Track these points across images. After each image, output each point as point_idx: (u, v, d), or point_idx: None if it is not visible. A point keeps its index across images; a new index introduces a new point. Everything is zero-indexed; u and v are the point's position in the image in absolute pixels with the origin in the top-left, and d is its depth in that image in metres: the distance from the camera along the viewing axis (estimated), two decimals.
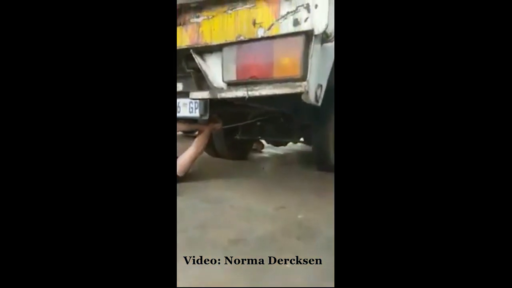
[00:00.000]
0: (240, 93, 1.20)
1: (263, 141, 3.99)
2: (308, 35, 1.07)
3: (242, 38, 1.17)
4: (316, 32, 1.05)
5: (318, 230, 1.19)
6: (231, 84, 1.25)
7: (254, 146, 3.62)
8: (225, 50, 1.23)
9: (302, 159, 3.57)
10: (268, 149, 4.15)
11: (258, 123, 2.69)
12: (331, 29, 1.08)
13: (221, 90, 1.27)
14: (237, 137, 2.78)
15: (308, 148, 5.44)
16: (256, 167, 2.75)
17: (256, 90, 1.18)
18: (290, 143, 4.04)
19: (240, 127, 2.72)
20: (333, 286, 0.47)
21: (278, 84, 1.14)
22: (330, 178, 2.29)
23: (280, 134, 2.69)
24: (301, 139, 2.82)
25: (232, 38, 1.21)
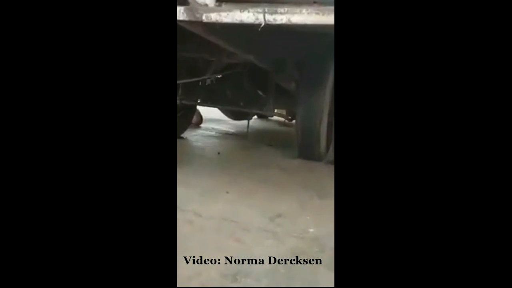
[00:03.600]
0: (250, 16, 0.65)
1: (201, 113, 3.14)
2: None
3: None
4: None
5: None
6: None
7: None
8: None
9: (264, 139, 2.54)
10: (208, 124, 3.34)
11: (209, 82, 1.78)
12: None
13: (206, 8, 0.68)
14: (177, 101, 1.78)
15: (265, 124, 3.95)
16: (207, 150, 1.97)
17: (282, 14, 0.65)
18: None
19: (180, 86, 1.76)
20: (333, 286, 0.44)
21: (319, 8, 0.61)
22: (324, 169, 1.57)
23: (246, 101, 1.82)
24: (276, 111, 1.96)
25: None
